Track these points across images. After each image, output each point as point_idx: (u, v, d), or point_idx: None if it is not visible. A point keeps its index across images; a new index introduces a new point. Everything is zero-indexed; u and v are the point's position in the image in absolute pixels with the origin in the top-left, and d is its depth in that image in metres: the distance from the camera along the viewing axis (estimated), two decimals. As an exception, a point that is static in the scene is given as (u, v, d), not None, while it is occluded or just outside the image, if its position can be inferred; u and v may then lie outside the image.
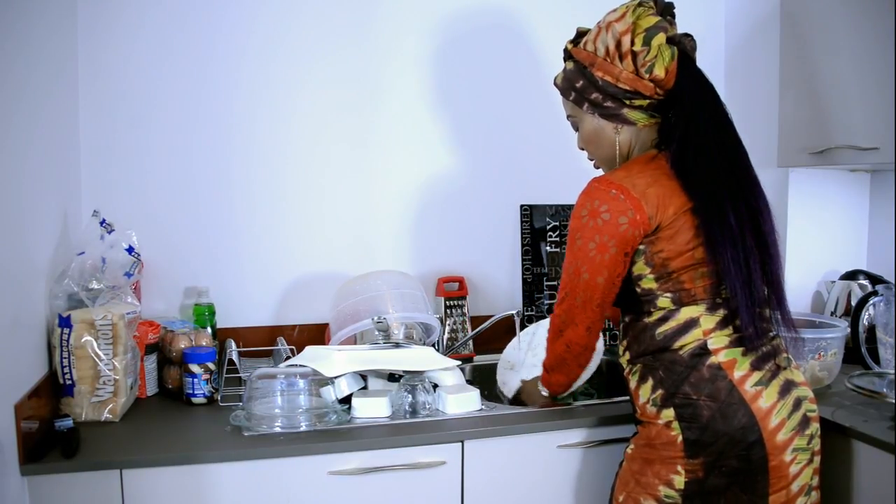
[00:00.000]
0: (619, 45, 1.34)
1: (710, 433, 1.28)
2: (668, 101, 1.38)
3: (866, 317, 1.84)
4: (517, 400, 1.70)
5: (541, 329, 1.78)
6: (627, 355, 1.40)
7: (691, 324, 1.32)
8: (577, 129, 1.49)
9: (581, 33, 1.45)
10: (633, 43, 1.33)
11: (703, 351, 1.31)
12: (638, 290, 1.35)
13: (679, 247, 1.31)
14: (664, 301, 1.33)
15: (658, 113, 1.39)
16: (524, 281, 2.11)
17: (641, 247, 1.32)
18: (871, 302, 1.84)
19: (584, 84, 1.40)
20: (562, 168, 2.16)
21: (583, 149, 1.50)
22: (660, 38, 1.33)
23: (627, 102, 1.37)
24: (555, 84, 1.49)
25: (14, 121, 1.37)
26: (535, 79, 2.13)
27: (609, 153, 1.44)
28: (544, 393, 1.57)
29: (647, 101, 1.37)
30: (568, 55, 1.45)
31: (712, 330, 1.32)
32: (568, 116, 1.50)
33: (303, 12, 1.97)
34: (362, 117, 2.03)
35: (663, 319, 1.33)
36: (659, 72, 1.33)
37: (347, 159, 2.03)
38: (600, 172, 1.46)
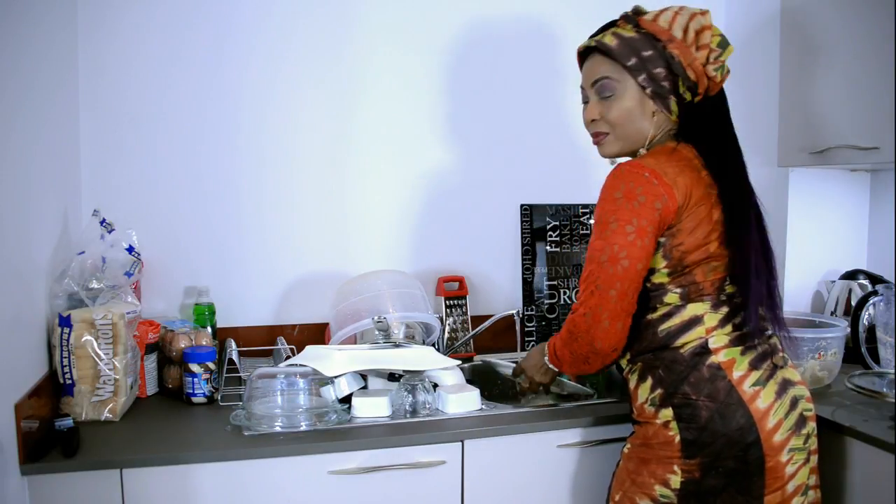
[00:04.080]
0: (700, 35, 1.34)
1: (708, 434, 1.28)
2: (693, 109, 1.38)
3: (866, 316, 1.84)
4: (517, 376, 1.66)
5: None
6: (627, 354, 1.40)
7: (695, 321, 1.32)
8: (603, 96, 1.38)
9: (641, 11, 1.40)
10: (711, 40, 1.34)
11: (703, 350, 1.31)
12: (648, 284, 1.33)
13: (698, 240, 1.30)
14: (672, 297, 1.32)
15: (680, 115, 1.39)
16: (524, 281, 2.11)
17: (662, 239, 1.31)
18: (871, 302, 1.84)
19: (652, 55, 1.34)
20: (562, 168, 2.17)
21: (594, 120, 1.40)
22: (730, 50, 1.36)
23: (680, 90, 1.36)
24: (599, 42, 1.38)
25: (15, 120, 1.37)
26: (535, 78, 2.14)
27: (636, 133, 1.38)
28: (550, 366, 1.48)
29: (690, 98, 1.37)
30: (633, 23, 1.37)
31: (714, 328, 1.32)
32: (600, 80, 1.38)
33: (303, 11, 1.97)
34: (363, 117, 2.03)
35: (668, 316, 1.33)
36: (718, 76, 1.35)
37: (347, 158, 2.03)
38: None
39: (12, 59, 1.37)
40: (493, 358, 1.90)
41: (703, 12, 1.36)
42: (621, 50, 1.35)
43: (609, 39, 1.37)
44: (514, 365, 1.73)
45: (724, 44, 1.36)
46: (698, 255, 1.31)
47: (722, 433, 1.28)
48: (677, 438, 1.30)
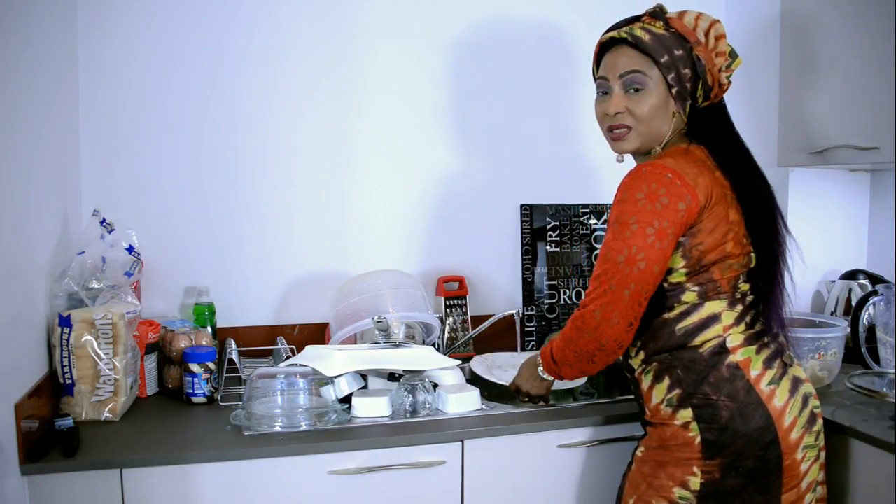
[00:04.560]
0: (718, 42, 1.35)
1: (729, 434, 1.28)
2: (697, 113, 1.39)
3: (866, 316, 1.84)
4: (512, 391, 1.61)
5: None
6: (642, 354, 1.37)
7: (713, 319, 1.31)
8: (632, 89, 1.35)
9: (665, 10, 1.38)
10: (726, 48, 1.36)
11: (722, 349, 1.31)
12: (665, 284, 1.32)
13: (717, 239, 1.30)
14: (690, 295, 1.32)
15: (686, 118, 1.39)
16: (524, 281, 2.11)
17: (682, 239, 1.30)
18: (871, 301, 1.84)
19: (683, 55, 1.34)
20: (562, 168, 2.17)
21: (619, 113, 1.36)
22: (738, 62, 1.37)
23: (697, 94, 1.36)
24: (630, 34, 1.34)
25: (15, 120, 1.37)
26: (536, 79, 2.14)
27: (657, 130, 1.36)
28: (545, 377, 1.46)
29: (701, 103, 1.37)
30: (663, 21, 1.36)
31: (731, 326, 1.32)
32: (631, 72, 1.34)
33: (304, 11, 1.97)
34: (364, 117, 2.03)
35: (685, 314, 1.32)
36: (726, 84, 1.38)
37: (348, 158, 2.03)
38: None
39: (12, 59, 1.37)
40: (484, 372, 1.77)
41: (718, 21, 1.37)
42: (655, 46, 1.33)
43: (640, 33, 1.34)
44: (508, 363, 1.73)
45: (734, 54, 1.37)
46: (716, 255, 1.30)
47: (742, 433, 1.27)
48: (698, 439, 1.29)
